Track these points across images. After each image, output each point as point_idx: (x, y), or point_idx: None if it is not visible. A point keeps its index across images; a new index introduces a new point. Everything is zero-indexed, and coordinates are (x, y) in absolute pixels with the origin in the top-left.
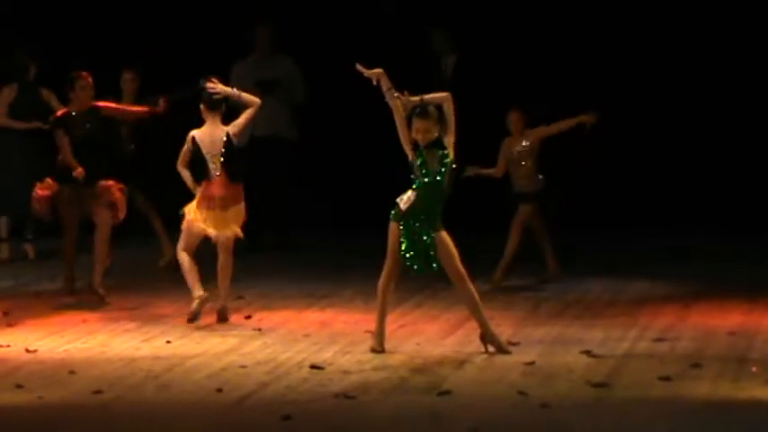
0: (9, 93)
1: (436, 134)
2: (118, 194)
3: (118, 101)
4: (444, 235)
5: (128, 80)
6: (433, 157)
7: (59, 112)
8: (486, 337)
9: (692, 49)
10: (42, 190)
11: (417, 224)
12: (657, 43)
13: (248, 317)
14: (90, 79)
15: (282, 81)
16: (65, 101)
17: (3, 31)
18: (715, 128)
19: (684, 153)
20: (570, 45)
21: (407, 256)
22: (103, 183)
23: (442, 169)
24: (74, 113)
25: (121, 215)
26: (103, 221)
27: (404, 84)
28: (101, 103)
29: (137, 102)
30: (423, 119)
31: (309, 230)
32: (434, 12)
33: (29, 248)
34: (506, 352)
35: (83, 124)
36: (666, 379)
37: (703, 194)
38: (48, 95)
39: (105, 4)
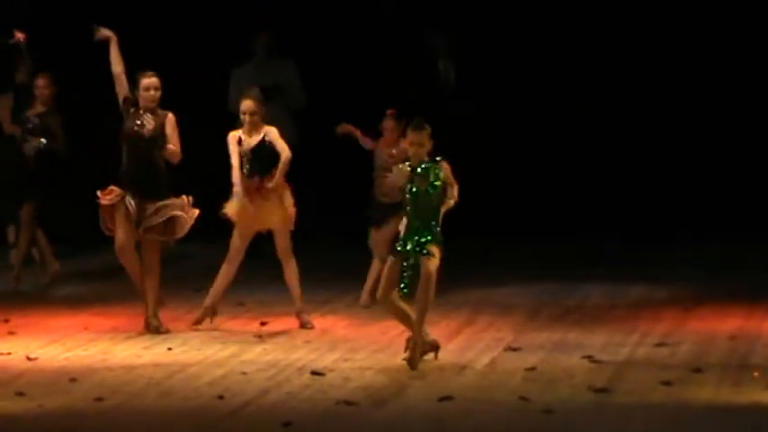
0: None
1: (428, 148)
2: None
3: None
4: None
5: (40, 87)
6: (422, 179)
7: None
8: (419, 345)
9: (698, 49)
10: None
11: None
12: (666, 49)
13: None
14: (157, 78)
15: (283, 86)
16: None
17: None
18: (714, 133)
19: (684, 158)
20: (567, 50)
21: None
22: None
23: (431, 187)
24: (139, 111)
25: (178, 233)
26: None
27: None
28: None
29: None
30: (417, 131)
31: (310, 236)
32: (434, 12)
33: (36, 252)
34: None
35: (139, 123)
36: (667, 384)
37: (703, 199)
38: (6, 102)
39: (104, 7)
